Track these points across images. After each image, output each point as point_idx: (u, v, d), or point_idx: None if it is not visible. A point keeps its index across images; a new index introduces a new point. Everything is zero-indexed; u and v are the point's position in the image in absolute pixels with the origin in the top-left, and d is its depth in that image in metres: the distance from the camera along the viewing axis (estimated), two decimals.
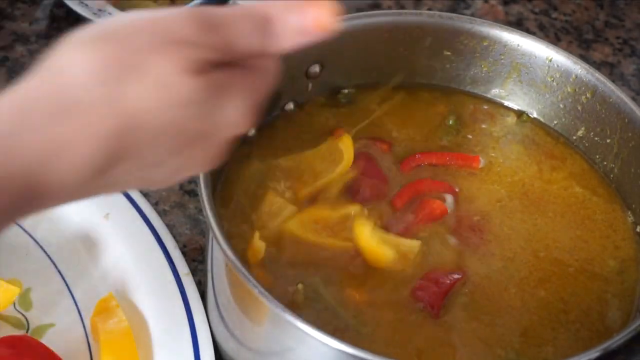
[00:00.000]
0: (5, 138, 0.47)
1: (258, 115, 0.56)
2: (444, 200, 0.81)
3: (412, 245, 0.76)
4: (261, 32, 0.54)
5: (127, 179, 0.52)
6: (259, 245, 0.75)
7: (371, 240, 0.75)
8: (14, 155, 0.47)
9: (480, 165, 0.84)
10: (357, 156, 0.83)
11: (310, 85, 0.87)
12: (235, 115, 0.54)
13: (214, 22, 0.52)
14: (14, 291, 0.79)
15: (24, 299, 0.81)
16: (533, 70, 0.87)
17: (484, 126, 0.88)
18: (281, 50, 0.55)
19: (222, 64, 0.53)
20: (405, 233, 0.78)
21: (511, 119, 0.89)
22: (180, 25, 0.51)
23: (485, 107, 0.89)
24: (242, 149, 0.82)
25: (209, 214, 0.70)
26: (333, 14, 0.55)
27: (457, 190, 0.82)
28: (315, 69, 0.85)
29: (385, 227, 0.78)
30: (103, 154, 0.49)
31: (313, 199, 0.80)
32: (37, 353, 0.76)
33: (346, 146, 0.82)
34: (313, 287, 0.74)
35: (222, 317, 0.77)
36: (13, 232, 0.85)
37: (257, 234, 0.76)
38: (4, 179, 0.46)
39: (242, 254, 0.75)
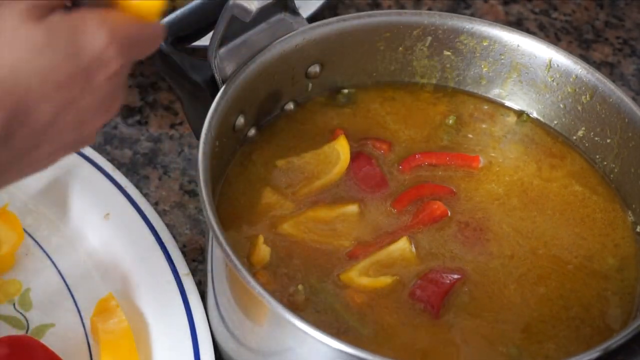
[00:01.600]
0: None
1: (130, 47, 0.56)
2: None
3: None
4: None
5: (32, 150, 0.53)
6: (263, 249, 0.75)
7: None
8: None
9: (480, 165, 0.84)
10: (357, 157, 0.83)
11: (310, 85, 0.87)
12: (97, 48, 0.54)
13: None
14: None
15: (24, 299, 0.81)
16: (533, 70, 0.87)
17: (484, 126, 0.88)
18: None
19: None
20: (405, 233, 0.78)
21: (511, 119, 0.89)
22: None
23: (485, 107, 0.89)
24: (242, 149, 0.82)
25: (209, 214, 0.70)
26: None
27: (456, 192, 0.82)
28: (315, 69, 0.86)
29: (385, 228, 0.78)
30: None
31: (312, 200, 0.80)
32: (37, 353, 0.76)
33: (342, 147, 0.83)
34: (313, 287, 0.74)
35: (222, 317, 0.77)
36: None
37: (261, 238, 0.76)
38: None
39: (245, 256, 0.75)
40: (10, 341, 0.76)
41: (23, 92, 0.52)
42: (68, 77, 0.53)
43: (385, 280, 0.75)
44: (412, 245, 0.77)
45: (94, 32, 0.54)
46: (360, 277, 0.74)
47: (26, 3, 0.52)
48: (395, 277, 0.75)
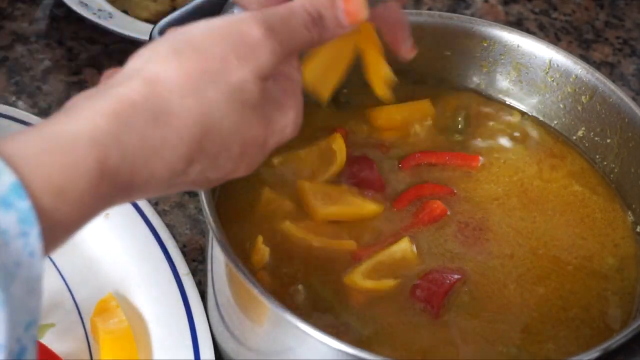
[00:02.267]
0: (107, 136, 0.51)
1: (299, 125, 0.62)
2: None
3: None
4: (314, 28, 0.60)
5: (194, 179, 0.57)
6: (263, 249, 0.75)
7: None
8: (114, 154, 0.51)
9: (480, 165, 0.84)
10: (355, 158, 0.83)
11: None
12: (286, 124, 0.60)
13: (277, 25, 0.58)
14: None
15: None
16: (533, 70, 0.87)
17: (484, 126, 0.88)
18: (325, 41, 0.63)
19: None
20: (405, 233, 0.78)
21: (512, 119, 0.89)
22: (249, 32, 0.56)
23: (486, 107, 0.89)
24: None
25: (209, 214, 0.70)
26: (362, 5, 0.62)
27: (456, 192, 0.82)
28: None
29: (386, 228, 0.78)
30: (185, 158, 0.55)
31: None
32: (39, 353, 0.76)
33: (339, 146, 0.83)
34: (313, 287, 0.74)
35: (222, 317, 0.77)
36: None
37: (260, 238, 0.76)
38: (104, 172, 0.51)
39: (245, 256, 0.75)
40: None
41: (217, 139, 0.56)
42: (252, 138, 0.58)
43: (389, 282, 0.75)
44: (414, 246, 0.77)
45: (291, 109, 0.60)
46: (364, 280, 0.74)
47: (260, 64, 0.57)
48: (399, 280, 0.75)
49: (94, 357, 0.79)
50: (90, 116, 0.52)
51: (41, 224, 0.48)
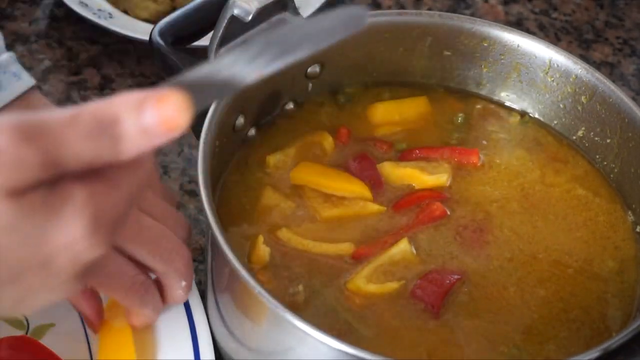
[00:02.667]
0: None
1: (111, 235, 0.49)
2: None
3: None
4: (99, 137, 0.47)
5: None
6: (263, 249, 0.75)
7: None
8: None
9: (480, 162, 0.84)
10: (356, 157, 0.83)
11: (310, 85, 0.87)
12: (69, 238, 0.48)
13: (36, 132, 0.46)
14: None
15: None
16: (533, 70, 0.87)
17: (485, 126, 0.88)
18: (127, 157, 0.48)
19: (56, 179, 0.47)
20: (403, 233, 0.78)
21: (513, 119, 0.89)
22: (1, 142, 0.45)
23: (486, 107, 0.89)
24: (242, 149, 0.82)
25: (209, 214, 0.70)
26: (181, 107, 0.47)
27: (456, 196, 0.82)
28: (315, 69, 0.86)
29: (385, 229, 0.78)
30: None
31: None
32: (37, 353, 0.76)
33: (328, 143, 0.83)
34: (313, 287, 0.74)
35: (222, 317, 0.76)
36: None
37: (261, 238, 0.76)
38: None
39: (245, 256, 0.75)
40: (10, 341, 0.76)
41: None
42: (20, 261, 0.48)
43: (392, 285, 0.75)
44: (412, 247, 0.77)
45: (69, 219, 0.48)
46: (367, 284, 0.74)
47: (5, 179, 0.46)
48: (402, 282, 0.75)
49: (94, 357, 0.79)
50: None
51: None
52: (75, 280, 0.50)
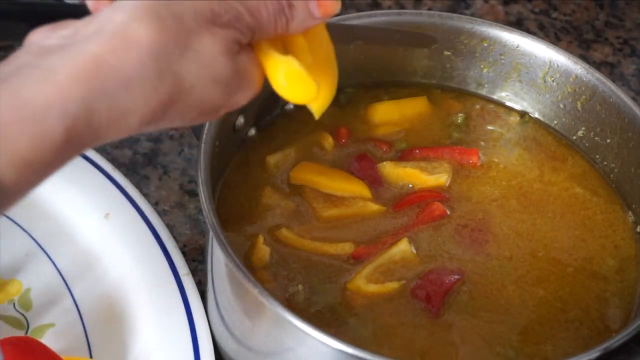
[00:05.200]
0: (78, 103, 0.51)
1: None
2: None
3: None
4: (285, 17, 0.61)
5: (162, 124, 0.58)
6: (263, 249, 0.75)
7: None
8: (82, 121, 0.52)
9: (480, 162, 0.84)
10: (356, 157, 0.83)
11: None
12: (242, 98, 0.61)
13: (249, 5, 0.59)
14: None
15: (24, 299, 0.81)
16: (533, 70, 0.87)
17: (485, 126, 0.88)
18: (292, 32, 0.62)
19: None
20: (403, 232, 0.78)
21: (513, 119, 0.89)
22: (223, 7, 0.57)
23: (486, 107, 0.89)
24: (242, 149, 0.83)
25: (209, 214, 0.70)
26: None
27: (455, 195, 0.82)
28: None
29: (385, 229, 0.79)
30: (145, 120, 0.55)
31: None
32: (37, 353, 0.76)
33: (328, 143, 0.83)
34: (313, 287, 0.74)
35: (222, 317, 0.77)
36: (13, 232, 0.85)
37: (261, 238, 0.76)
38: (70, 138, 0.51)
39: (245, 256, 0.75)
40: (10, 341, 0.76)
41: (181, 105, 0.57)
42: (211, 106, 0.59)
43: (392, 285, 0.75)
44: (413, 247, 0.77)
45: (253, 84, 0.61)
46: (368, 284, 0.74)
47: (229, 37, 0.58)
48: (402, 282, 0.75)
49: (94, 357, 0.79)
50: (62, 81, 0.51)
51: None
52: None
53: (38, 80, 0.51)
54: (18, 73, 0.52)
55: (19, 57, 0.55)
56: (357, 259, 0.76)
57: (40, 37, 0.57)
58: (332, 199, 0.80)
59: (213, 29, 0.57)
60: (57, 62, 0.52)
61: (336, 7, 0.62)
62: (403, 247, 0.76)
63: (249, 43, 0.60)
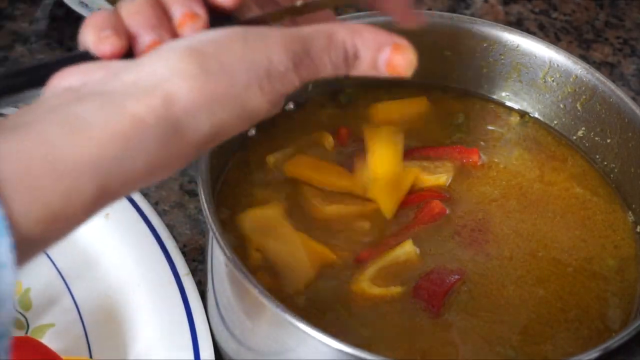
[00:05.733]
0: (112, 161, 0.49)
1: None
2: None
3: None
4: (345, 65, 0.57)
5: None
6: (255, 255, 0.75)
7: None
8: (116, 180, 0.49)
9: (480, 162, 0.84)
10: (356, 156, 0.83)
11: (310, 85, 0.87)
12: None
13: (305, 52, 0.55)
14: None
15: (24, 299, 0.81)
16: (533, 70, 0.87)
17: (485, 126, 0.88)
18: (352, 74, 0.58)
19: None
20: (404, 233, 0.78)
21: (513, 119, 0.89)
22: (276, 63, 0.54)
23: (486, 107, 0.89)
24: (242, 149, 0.82)
25: (209, 214, 0.70)
26: (410, 64, 0.58)
27: (456, 195, 0.82)
28: None
29: (386, 229, 0.78)
30: (185, 164, 0.53)
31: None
32: (38, 353, 0.76)
33: (328, 143, 0.83)
34: (314, 288, 0.74)
35: (222, 317, 0.77)
36: None
37: (252, 244, 0.76)
38: (102, 196, 0.49)
39: (245, 256, 0.75)
40: (12, 341, 0.75)
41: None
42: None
43: (396, 289, 0.74)
44: (417, 249, 0.77)
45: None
46: (372, 287, 0.74)
47: (281, 91, 0.55)
48: (405, 287, 0.75)
49: (93, 356, 0.79)
50: (98, 137, 0.48)
51: (15, 237, 0.45)
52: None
53: (72, 131, 0.48)
54: (48, 119, 0.49)
55: (46, 101, 0.51)
56: (359, 262, 0.76)
57: (71, 79, 0.54)
58: (330, 198, 0.79)
59: (261, 82, 0.53)
60: (92, 115, 0.49)
61: (408, 71, 0.58)
62: (408, 249, 0.76)
63: None
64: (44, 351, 0.76)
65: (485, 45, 0.87)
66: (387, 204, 0.78)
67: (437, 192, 0.81)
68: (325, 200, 0.79)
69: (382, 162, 0.78)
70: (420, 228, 0.79)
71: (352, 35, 0.57)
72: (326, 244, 0.77)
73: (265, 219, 0.76)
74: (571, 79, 0.85)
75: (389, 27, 0.86)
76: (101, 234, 0.85)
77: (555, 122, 0.88)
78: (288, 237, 0.75)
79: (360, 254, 0.76)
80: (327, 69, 0.56)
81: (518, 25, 1.15)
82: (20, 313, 0.81)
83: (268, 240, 0.75)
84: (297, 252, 0.74)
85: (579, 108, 0.86)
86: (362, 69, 0.57)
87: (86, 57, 0.58)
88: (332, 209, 0.79)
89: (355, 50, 0.57)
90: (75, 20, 1.07)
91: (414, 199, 0.81)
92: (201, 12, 0.57)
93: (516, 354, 0.72)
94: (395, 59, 0.57)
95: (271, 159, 0.82)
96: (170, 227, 0.88)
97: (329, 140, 0.84)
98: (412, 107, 0.88)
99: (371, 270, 0.75)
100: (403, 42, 0.58)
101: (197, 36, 0.55)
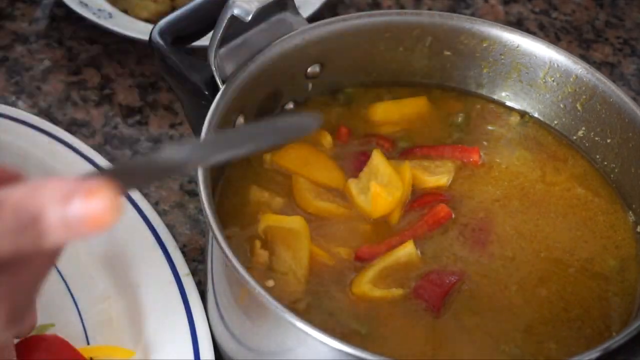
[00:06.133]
0: None
1: (20, 323, 0.48)
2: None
3: None
4: (20, 235, 0.45)
5: None
6: (261, 253, 0.75)
7: None
8: None
9: (481, 161, 0.84)
10: (357, 155, 0.83)
11: (310, 85, 0.87)
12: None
13: None
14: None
15: None
16: (533, 70, 0.87)
17: (485, 126, 0.88)
18: (50, 247, 0.46)
19: None
20: (407, 235, 0.78)
21: (513, 119, 0.89)
22: None
23: (486, 107, 0.89)
24: None
25: (209, 214, 0.70)
26: (110, 204, 0.45)
27: (458, 196, 0.82)
28: (315, 69, 0.85)
29: (388, 229, 0.78)
30: None
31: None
32: (67, 352, 0.75)
33: (327, 142, 0.83)
34: (314, 287, 0.74)
35: (222, 317, 0.76)
36: None
37: (257, 243, 0.76)
38: None
39: (245, 256, 0.75)
40: (35, 341, 0.75)
41: None
42: None
43: (397, 291, 0.74)
44: (418, 250, 0.77)
45: None
46: (373, 289, 0.74)
47: None
48: (407, 288, 0.75)
49: (94, 357, 0.79)
50: None
51: None
52: None
53: None
54: None
55: None
56: (360, 260, 0.76)
57: None
58: (329, 197, 0.79)
59: None
60: None
61: (113, 217, 0.45)
62: (409, 250, 0.76)
63: None
64: (66, 347, 0.76)
65: (485, 45, 0.87)
66: (392, 215, 0.79)
67: (440, 194, 0.81)
68: (318, 197, 0.79)
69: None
70: (425, 231, 0.78)
71: (27, 197, 0.44)
72: (326, 239, 0.76)
73: (287, 230, 0.76)
74: (571, 79, 0.85)
75: (390, 28, 0.86)
76: (101, 234, 0.85)
77: (556, 122, 0.88)
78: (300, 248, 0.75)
79: (360, 249, 0.76)
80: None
81: (518, 25, 1.15)
82: None
83: (280, 246, 0.75)
84: (302, 259, 0.75)
85: (579, 108, 0.86)
86: (55, 233, 0.45)
87: None
88: (322, 205, 0.78)
89: (30, 212, 0.44)
90: (75, 20, 1.07)
91: (418, 204, 0.80)
92: None
93: (521, 353, 0.72)
94: (91, 205, 0.44)
95: (267, 156, 0.82)
96: (170, 227, 0.88)
97: (327, 140, 0.84)
98: (412, 107, 0.88)
99: (372, 272, 0.75)
100: (92, 184, 0.45)
101: None
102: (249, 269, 0.68)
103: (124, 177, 0.45)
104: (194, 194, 0.93)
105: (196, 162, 0.49)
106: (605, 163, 0.85)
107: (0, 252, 0.44)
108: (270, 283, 0.74)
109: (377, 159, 0.80)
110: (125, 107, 1.00)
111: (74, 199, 0.44)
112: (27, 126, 0.90)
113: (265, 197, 0.79)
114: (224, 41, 0.78)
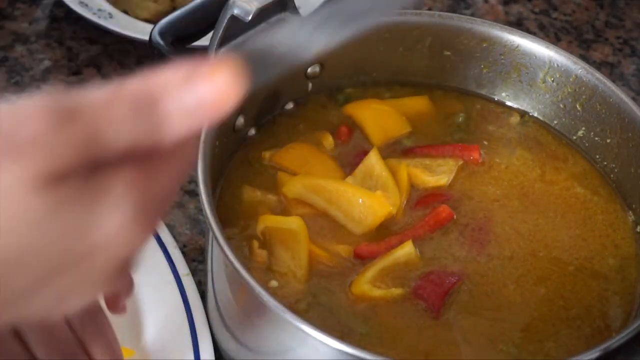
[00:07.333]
0: None
1: (152, 226, 0.45)
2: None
3: None
4: (140, 119, 0.42)
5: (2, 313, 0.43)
6: (260, 253, 0.75)
7: None
8: None
9: (481, 160, 0.84)
10: (357, 154, 0.83)
11: (310, 85, 0.87)
12: (110, 230, 0.43)
13: (72, 113, 0.41)
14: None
15: None
16: (533, 70, 0.87)
17: (485, 126, 0.88)
18: (172, 139, 0.43)
19: (93, 166, 0.42)
20: (408, 235, 0.78)
21: (513, 119, 0.89)
22: (29, 122, 0.40)
23: (486, 107, 0.89)
24: (242, 149, 0.82)
25: (209, 214, 0.70)
26: (235, 80, 0.42)
27: (458, 196, 0.82)
28: (315, 69, 0.86)
29: (388, 229, 0.78)
30: None
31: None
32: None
33: (328, 142, 0.83)
34: (314, 287, 0.74)
35: (222, 317, 0.76)
36: None
37: (255, 243, 0.76)
38: None
39: (245, 256, 0.75)
40: None
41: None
42: (56, 259, 0.42)
43: (397, 291, 0.74)
44: (417, 250, 0.77)
45: (110, 210, 0.42)
46: (373, 289, 0.74)
47: (29, 171, 0.40)
48: (406, 288, 0.75)
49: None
50: None
51: None
52: (108, 280, 0.45)
53: None
54: None
55: None
56: (359, 258, 0.76)
57: None
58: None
59: (9, 154, 0.40)
60: None
61: (233, 98, 0.42)
62: (408, 250, 0.76)
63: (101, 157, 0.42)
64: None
65: (485, 45, 0.87)
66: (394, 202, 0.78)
67: (441, 195, 0.81)
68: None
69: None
70: (426, 232, 0.78)
71: (146, 82, 0.42)
72: (325, 237, 0.76)
73: (285, 230, 0.76)
74: (571, 79, 0.85)
75: (390, 28, 0.86)
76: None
77: (556, 122, 0.88)
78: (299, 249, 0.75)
79: (359, 247, 0.76)
80: (108, 125, 0.41)
81: (518, 25, 1.15)
82: None
83: (279, 247, 0.75)
84: (301, 260, 0.75)
85: (579, 108, 0.86)
86: (175, 119, 0.42)
87: None
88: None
89: (149, 95, 0.42)
90: (75, 20, 1.07)
91: (420, 204, 0.80)
92: None
93: (519, 352, 0.72)
94: (215, 83, 0.42)
95: (266, 154, 0.82)
96: (170, 227, 0.88)
97: (328, 140, 0.84)
98: (413, 107, 0.88)
99: (372, 271, 0.75)
100: (215, 62, 0.42)
101: None
102: (249, 269, 0.68)
103: (248, 57, 0.43)
104: (194, 194, 0.93)
105: (321, 42, 0.46)
106: (605, 163, 0.85)
107: (119, 141, 0.41)
108: (274, 284, 0.74)
109: (374, 159, 0.80)
110: None
111: (195, 80, 0.42)
112: None
113: (258, 196, 0.79)
114: (224, 41, 0.78)
